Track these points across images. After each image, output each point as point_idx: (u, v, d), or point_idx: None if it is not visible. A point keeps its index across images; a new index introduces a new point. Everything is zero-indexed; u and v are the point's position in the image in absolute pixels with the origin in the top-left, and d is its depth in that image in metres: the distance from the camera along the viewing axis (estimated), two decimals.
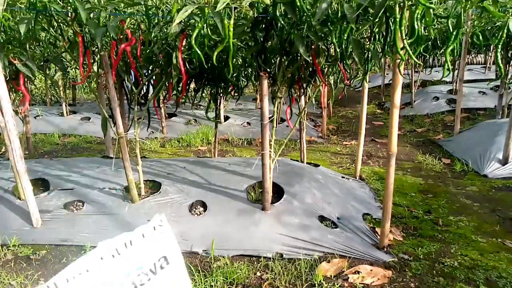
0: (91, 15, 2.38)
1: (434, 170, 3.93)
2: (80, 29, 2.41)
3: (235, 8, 1.86)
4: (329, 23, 2.04)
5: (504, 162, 3.70)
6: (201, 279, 2.10)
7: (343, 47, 2.02)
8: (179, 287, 1.33)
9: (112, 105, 2.57)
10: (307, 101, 3.18)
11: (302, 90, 3.15)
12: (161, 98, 4.18)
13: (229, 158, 3.94)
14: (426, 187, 3.48)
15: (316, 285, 2.06)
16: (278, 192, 2.78)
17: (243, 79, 3.38)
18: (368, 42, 2.26)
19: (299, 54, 2.40)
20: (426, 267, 2.24)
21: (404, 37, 1.80)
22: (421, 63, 6.68)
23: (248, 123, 5.73)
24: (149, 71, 2.98)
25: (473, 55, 9.50)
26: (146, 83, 2.91)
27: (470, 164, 3.91)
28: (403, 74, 2.31)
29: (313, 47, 2.29)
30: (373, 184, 3.52)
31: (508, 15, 1.99)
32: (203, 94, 4.13)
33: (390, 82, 3.18)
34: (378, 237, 2.48)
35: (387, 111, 6.61)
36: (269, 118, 2.44)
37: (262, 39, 2.28)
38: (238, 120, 5.81)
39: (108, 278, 1.13)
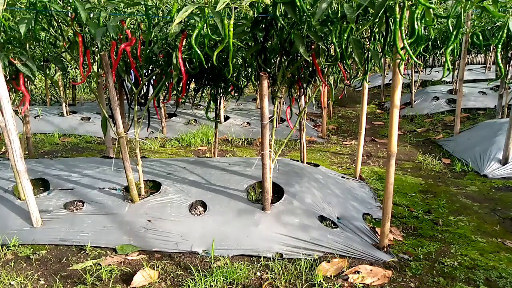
0: (91, 15, 2.38)
1: (434, 170, 3.93)
2: (80, 29, 2.41)
3: (235, 8, 1.86)
4: (329, 23, 2.05)
5: (504, 162, 3.70)
6: (201, 279, 2.10)
7: (343, 47, 2.02)
8: None
9: (112, 105, 2.57)
10: (307, 101, 3.18)
11: (302, 90, 3.15)
12: (161, 98, 4.19)
13: (229, 158, 3.94)
14: (426, 187, 3.48)
15: (316, 285, 2.06)
16: (278, 192, 2.78)
17: (243, 79, 3.38)
18: (368, 42, 2.26)
19: (299, 54, 2.40)
20: (426, 267, 2.24)
21: (404, 37, 1.80)
22: (421, 63, 6.68)
23: (248, 123, 5.73)
24: (149, 71, 2.98)
25: (473, 55, 9.50)
26: (146, 83, 2.91)
27: (470, 164, 3.91)
28: (403, 74, 2.31)
29: (313, 47, 2.29)
30: (373, 184, 3.52)
31: (508, 15, 1.99)
32: (203, 94, 4.13)
33: (390, 82, 3.18)
34: (378, 237, 2.48)
35: (387, 111, 6.61)
36: (269, 118, 2.44)
37: (262, 39, 2.28)
38: (238, 120, 5.81)
39: None
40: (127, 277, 2.17)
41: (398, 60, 2.04)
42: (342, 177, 3.53)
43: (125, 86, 3.15)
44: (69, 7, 2.32)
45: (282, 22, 2.08)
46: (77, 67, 2.87)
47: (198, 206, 2.69)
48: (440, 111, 6.24)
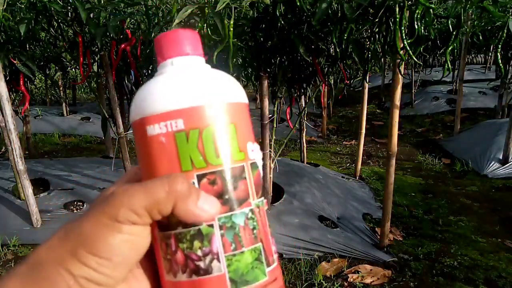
0: (91, 15, 2.38)
1: (434, 170, 3.93)
2: (80, 29, 2.41)
3: (235, 8, 1.86)
4: (329, 23, 2.04)
5: (504, 162, 3.71)
6: None
7: (343, 47, 2.02)
8: None
9: (112, 105, 2.57)
10: (307, 101, 3.18)
11: (302, 90, 3.15)
12: None
13: None
14: (426, 187, 3.48)
15: (316, 284, 2.06)
16: (278, 192, 2.77)
17: (243, 79, 3.38)
18: (368, 42, 2.26)
19: (299, 54, 2.40)
20: (426, 267, 2.24)
21: (404, 37, 1.80)
22: (421, 63, 6.67)
23: None
24: (149, 71, 2.98)
25: (473, 55, 9.49)
26: None
27: (470, 164, 3.91)
28: (403, 74, 2.31)
29: (313, 47, 2.29)
30: (373, 184, 3.52)
31: (508, 15, 1.99)
32: None
33: (390, 82, 3.18)
34: (378, 237, 2.48)
35: (387, 111, 6.61)
36: (269, 118, 2.44)
37: (262, 39, 2.28)
38: None
39: None
40: None
41: (398, 60, 2.04)
42: (342, 177, 3.53)
43: (125, 86, 3.15)
44: (69, 7, 2.32)
45: (282, 22, 2.08)
46: (77, 67, 2.87)
47: None
48: (440, 111, 6.24)
